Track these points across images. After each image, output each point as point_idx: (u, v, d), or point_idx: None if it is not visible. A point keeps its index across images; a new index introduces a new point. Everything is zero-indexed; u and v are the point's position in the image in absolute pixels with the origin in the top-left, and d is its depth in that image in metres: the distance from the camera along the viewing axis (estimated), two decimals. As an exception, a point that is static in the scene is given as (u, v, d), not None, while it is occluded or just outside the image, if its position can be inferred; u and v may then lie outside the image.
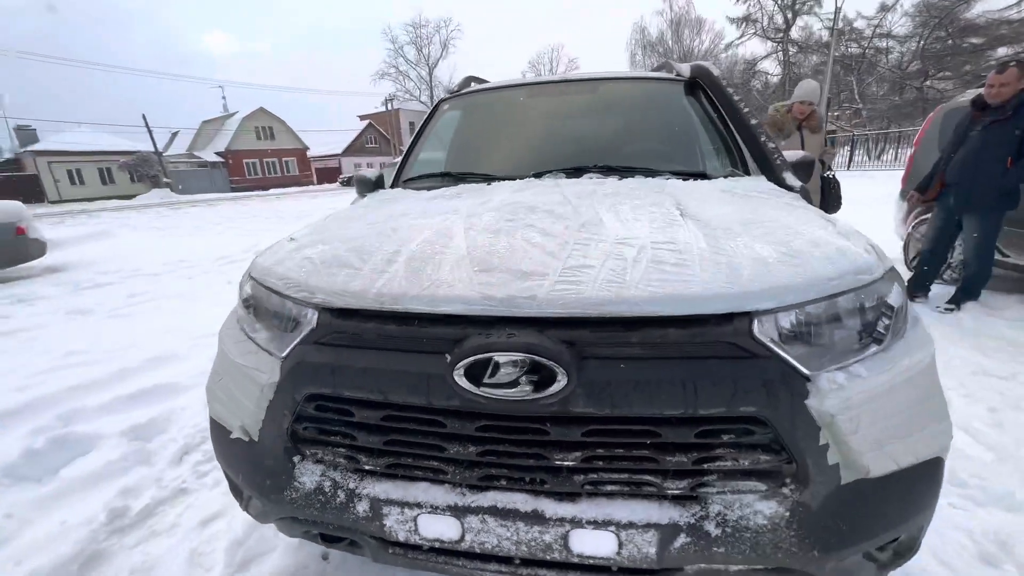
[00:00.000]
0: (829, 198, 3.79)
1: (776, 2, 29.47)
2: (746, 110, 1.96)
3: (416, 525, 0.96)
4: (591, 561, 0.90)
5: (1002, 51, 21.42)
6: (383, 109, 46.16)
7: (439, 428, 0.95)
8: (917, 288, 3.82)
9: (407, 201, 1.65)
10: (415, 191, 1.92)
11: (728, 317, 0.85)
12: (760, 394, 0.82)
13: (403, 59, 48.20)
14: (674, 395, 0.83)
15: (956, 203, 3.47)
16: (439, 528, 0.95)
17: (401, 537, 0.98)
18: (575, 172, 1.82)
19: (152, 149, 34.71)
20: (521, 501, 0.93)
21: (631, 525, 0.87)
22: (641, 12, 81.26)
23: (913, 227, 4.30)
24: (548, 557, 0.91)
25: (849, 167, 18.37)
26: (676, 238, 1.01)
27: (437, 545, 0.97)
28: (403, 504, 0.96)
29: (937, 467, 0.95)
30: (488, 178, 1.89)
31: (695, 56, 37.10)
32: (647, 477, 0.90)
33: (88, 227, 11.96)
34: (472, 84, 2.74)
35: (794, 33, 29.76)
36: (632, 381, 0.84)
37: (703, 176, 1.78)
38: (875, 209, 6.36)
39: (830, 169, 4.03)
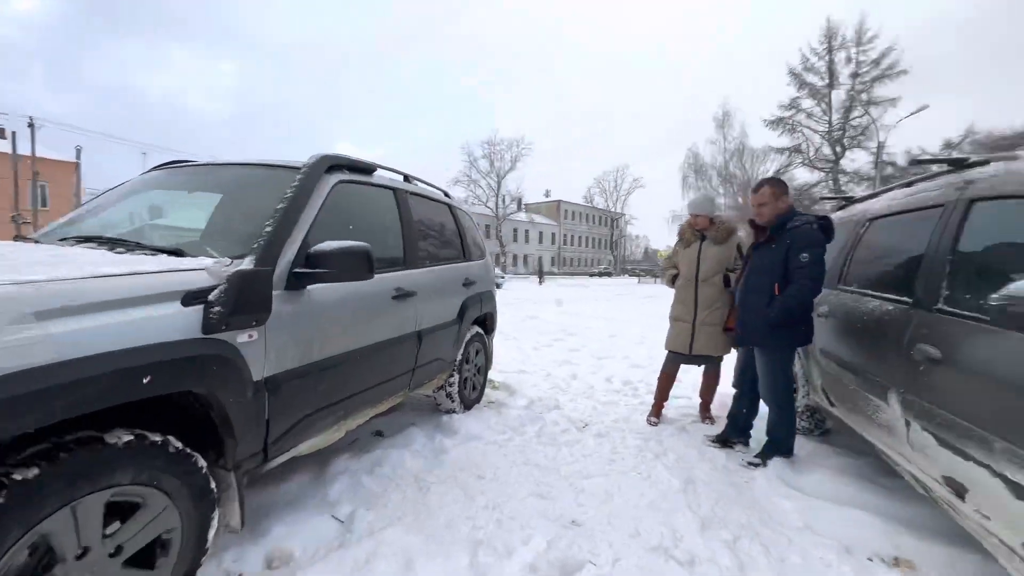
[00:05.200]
0: None
1: (824, 136, 29.94)
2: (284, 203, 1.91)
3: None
4: None
5: None
6: (448, 212, 50.89)
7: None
8: (732, 432, 3.09)
9: None
10: None
11: None
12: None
13: (476, 170, 53.39)
14: None
15: (738, 337, 3.04)
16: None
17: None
18: None
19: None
20: None
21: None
22: (694, 139, 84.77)
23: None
24: None
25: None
26: None
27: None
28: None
29: None
30: None
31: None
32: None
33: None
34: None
35: (847, 164, 29.51)
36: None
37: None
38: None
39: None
